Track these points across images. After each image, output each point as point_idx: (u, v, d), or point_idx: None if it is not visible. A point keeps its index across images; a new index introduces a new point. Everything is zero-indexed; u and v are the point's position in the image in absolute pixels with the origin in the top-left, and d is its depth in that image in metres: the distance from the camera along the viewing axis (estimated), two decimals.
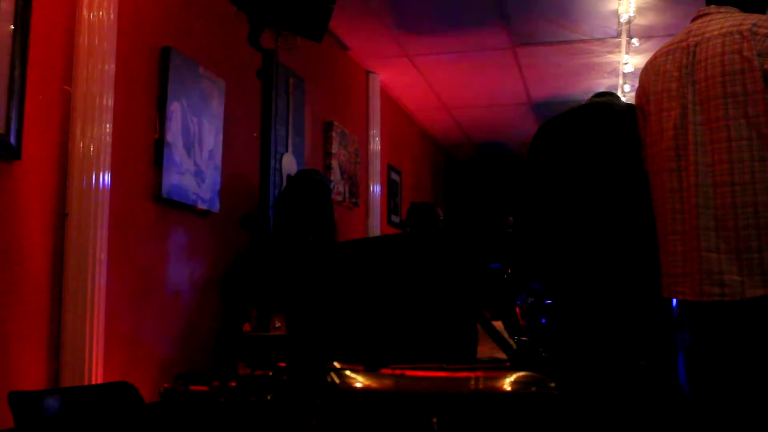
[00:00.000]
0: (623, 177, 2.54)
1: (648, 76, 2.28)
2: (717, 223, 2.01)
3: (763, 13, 2.17)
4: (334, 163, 5.33)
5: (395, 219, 6.88)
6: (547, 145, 2.79)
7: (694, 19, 2.23)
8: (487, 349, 2.03)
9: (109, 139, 2.81)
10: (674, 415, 2.17)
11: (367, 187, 6.16)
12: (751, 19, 2.07)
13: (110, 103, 2.82)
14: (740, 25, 2.07)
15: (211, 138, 3.65)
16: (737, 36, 2.05)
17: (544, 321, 2.90)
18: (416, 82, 6.46)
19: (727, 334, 2.02)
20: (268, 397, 2.80)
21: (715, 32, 2.11)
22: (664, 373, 2.27)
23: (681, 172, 2.11)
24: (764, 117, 1.98)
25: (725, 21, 2.12)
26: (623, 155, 2.55)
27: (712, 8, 2.20)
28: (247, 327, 3.57)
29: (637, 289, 2.41)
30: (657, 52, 2.30)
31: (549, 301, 2.83)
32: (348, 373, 1.83)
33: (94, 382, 2.65)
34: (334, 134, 5.32)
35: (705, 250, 2.02)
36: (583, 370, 2.46)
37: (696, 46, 2.14)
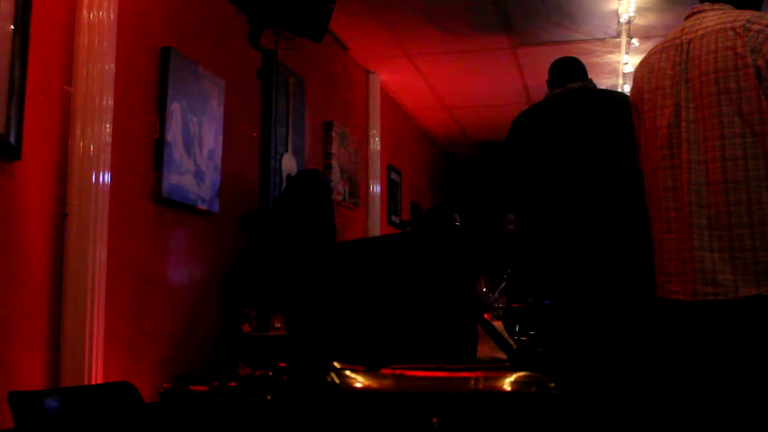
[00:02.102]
0: (611, 168, 2.53)
1: (642, 74, 2.27)
2: (710, 222, 2.00)
3: (758, 9, 2.15)
4: (334, 163, 5.33)
5: (395, 219, 6.88)
6: (526, 137, 2.77)
7: (688, 17, 2.22)
8: (487, 349, 2.03)
9: (109, 139, 2.81)
10: (672, 415, 2.17)
11: (367, 187, 6.15)
12: (745, 15, 2.06)
13: (110, 103, 2.82)
14: (734, 21, 2.05)
15: (211, 138, 3.65)
16: (731, 33, 2.03)
17: (544, 321, 2.90)
18: (416, 82, 6.46)
19: (721, 334, 2.01)
20: (268, 397, 2.80)
21: (709, 29, 2.09)
22: (662, 374, 2.27)
23: (674, 171, 2.10)
24: (758, 114, 1.97)
25: (719, 18, 2.10)
26: (607, 142, 2.55)
27: (706, 5, 2.19)
28: (246, 327, 3.57)
29: (636, 290, 2.40)
30: (651, 49, 2.29)
31: (548, 302, 2.83)
32: (348, 373, 1.83)
33: (94, 382, 2.65)
34: (334, 134, 5.32)
35: (698, 249, 2.01)
36: (583, 370, 2.46)
37: (690, 43, 2.13)
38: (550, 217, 2.66)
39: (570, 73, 2.81)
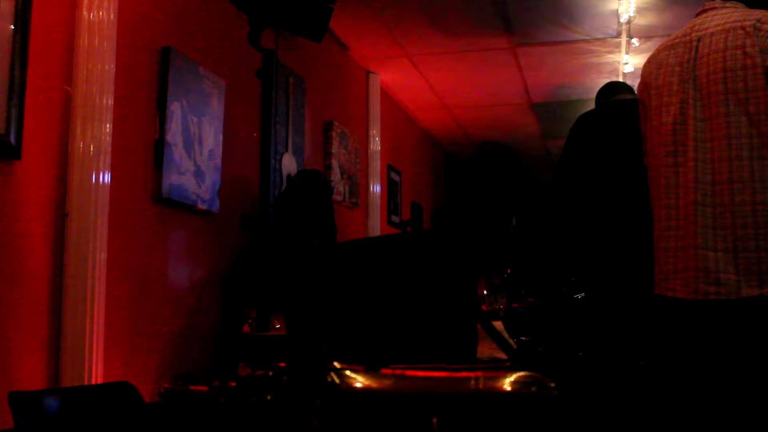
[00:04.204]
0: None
1: (650, 69, 2.26)
2: (715, 221, 2.00)
3: None
4: (334, 163, 5.33)
5: (395, 219, 6.88)
6: (594, 137, 2.75)
7: (698, 14, 2.21)
8: (487, 349, 2.03)
9: (109, 139, 2.81)
10: (673, 415, 2.16)
11: (367, 187, 6.15)
12: (755, 14, 2.05)
13: (110, 103, 2.82)
14: (744, 20, 2.04)
15: (211, 138, 3.65)
16: (740, 32, 2.02)
17: (544, 321, 2.90)
18: (416, 82, 6.46)
19: (722, 334, 2.00)
20: (268, 397, 2.80)
21: (719, 28, 2.08)
22: (663, 373, 2.27)
23: (678, 168, 2.09)
24: (765, 115, 1.96)
25: (729, 16, 2.09)
26: None
27: (717, 3, 2.18)
28: (246, 328, 3.57)
29: (637, 288, 2.40)
30: (660, 45, 2.27)
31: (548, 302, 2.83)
32: (348, 373, 1.82)
33: (94, 382, 2.65)
34: (334, 134, 5.32)
35: (702, 248, 2.00)
36: (583, 370, 2.46)
37: (699, 41, 2.12)
38: (577, 218, 2.65)
39: (626, 88, 2.84)
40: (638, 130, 2.55)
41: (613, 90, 2.93)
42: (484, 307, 3.04)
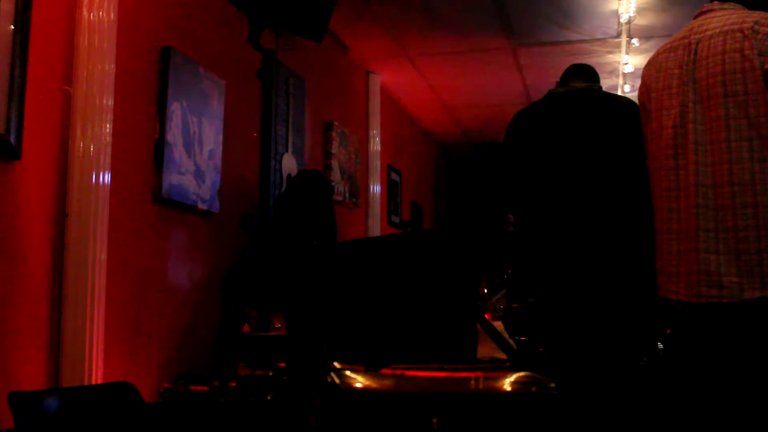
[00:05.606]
0: (609, 168, 2.53)
1: (650, 72, 2.26)
2: (717, 224, 2.00)
3: None
4: (334, 163, 5.33)
5: (395, 219, 6.88)
6: (525, 134, 2.76)
7: (696, 16, 2.21)
8: (487, 349, 2.03)
9: (109, 139, 2.81)
10: (673, 415, 2.17)
11: (367, 187, 6.16)
12: (754, 16, 2.04)
13: (110, 103, 2.82)
14: (742, 23, 2.04)
15: (211, 138, 3.65)
16: (738, 34, 2.02)
17: (543, 321, 2.89)
18: (416, 82, 6.46)
19: (724, 336, 2.00)
20: (268, 397, 2.80)
21: (717, 30, 2.08)
22: (664, 373, 2.27)
23: (679, 171, 2.09)
24: (765, 117, 1.96)
25: (727, 18, 2.09)
26: (606, 143, 2.54)
27: (716, 4, 2.18)
28: (246, 328, 3.57)
29: (637, 289, 2.40)
30: (660, 48, 2.28)
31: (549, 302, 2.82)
32: (348, 373, 1.82)
33: (94, 382, 2.65)
34: (334, 134, 5.32)
35: (704, 251, 2.00)
36: (583, 370, 2.46)
37: (698, 43, 2.12)
38: (549, 216, 2.65)
39: (578, 74, 2.79)
40: (578, 122, 2.56)
41: (565, 77, 2.87)
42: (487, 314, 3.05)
